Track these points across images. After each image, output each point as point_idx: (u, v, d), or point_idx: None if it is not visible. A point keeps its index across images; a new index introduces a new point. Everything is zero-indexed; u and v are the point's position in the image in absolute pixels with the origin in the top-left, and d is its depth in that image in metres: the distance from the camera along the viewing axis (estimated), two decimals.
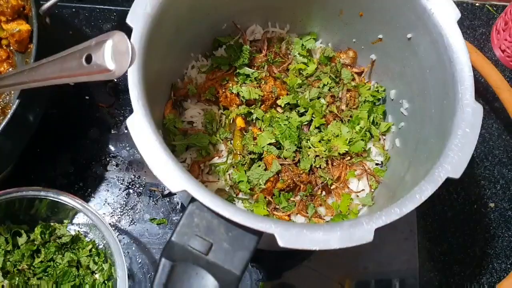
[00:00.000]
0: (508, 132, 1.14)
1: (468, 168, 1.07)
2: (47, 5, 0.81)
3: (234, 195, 0.85)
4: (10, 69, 0.93)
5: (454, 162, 0.63)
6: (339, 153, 0.85)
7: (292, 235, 0.58)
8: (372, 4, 0.81)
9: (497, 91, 1.05)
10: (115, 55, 0.63)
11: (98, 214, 0.81)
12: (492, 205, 1.08)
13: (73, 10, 1.09)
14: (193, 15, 0.80)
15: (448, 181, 0.71)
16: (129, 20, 0.65)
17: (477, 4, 1.27)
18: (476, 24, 1.25)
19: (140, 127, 0.61)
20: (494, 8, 1.26)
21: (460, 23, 1.19)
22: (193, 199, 0.60)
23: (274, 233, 0.58)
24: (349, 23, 0.88)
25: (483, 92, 1.16)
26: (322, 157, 0.85)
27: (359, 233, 0.58)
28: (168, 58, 0.81)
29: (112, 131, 1.00)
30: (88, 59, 0.64)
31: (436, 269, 1.01)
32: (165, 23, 0.70)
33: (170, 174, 0.59)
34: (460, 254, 1.03)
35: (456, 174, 0.62)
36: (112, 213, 0.95)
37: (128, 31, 0.64)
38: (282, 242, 0.57)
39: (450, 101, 0.68)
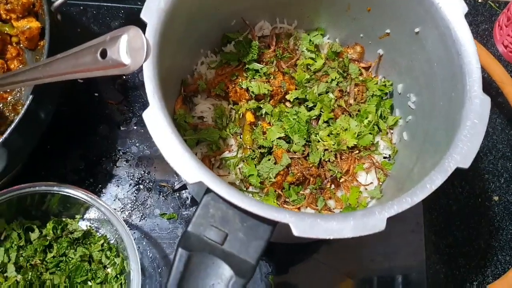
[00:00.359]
0: (511, 126, 1.15)
1: (473, 162, 1.10)
2: (58, 2, 0.82)
3: (245, 189, 0.86)
4: (21, 66, 0.94)
5: (463, 152, 0.64)
6: (347, 147, 0.87)
7: (307, 225, 0.59)
8: None
9: (501, 86, 1.07)
10: (130, 50, 0.64)
11: (111, 208, 0.82)
12: (496, 198, 1.10)
13: (81, 8, 1.10)
14: (204, 10, 0.81)
15: (455, 173, 0.73)
16: (143, 15, 0.66)
17: (479, 1, 1.28)
18: (478, 20, 1.26)
19: (156, 121, 0.62)
20: (497, 4, 1.27)
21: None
22: (208, 190, 0.61)
23: (289, 222, 0.59)
24: (357, 18, 0.89)
25: (487, 87, 1.15)
26: (331, 151, 0.87)
27: (372, 222, 0.60)
28: (178, 54, 0.82)
29: (122, 128, 1.02)
30: (103, 54, 0.65)
31: (442, 262, 1.02)
32: (177, 19, 0.72)
33: (187, 166, 0.60)
34: (465, 247, 1.04)
35: (466, 164, 0.64)
36: (122, 208, 0.96)
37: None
38: (296, 232, 0.58)
39: (458, 94, 0.69)
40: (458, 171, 0.64)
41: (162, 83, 0.68)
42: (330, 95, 0.91)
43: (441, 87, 0.75)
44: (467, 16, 1.22)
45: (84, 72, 0.68)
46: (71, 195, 0.83)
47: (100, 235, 0.91)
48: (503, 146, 1.14)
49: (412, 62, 0.83)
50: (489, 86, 1.15)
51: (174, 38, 0.75)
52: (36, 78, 0.73)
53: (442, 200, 1.07)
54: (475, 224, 1.07)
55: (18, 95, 0.92)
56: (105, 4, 1.11)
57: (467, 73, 0.68)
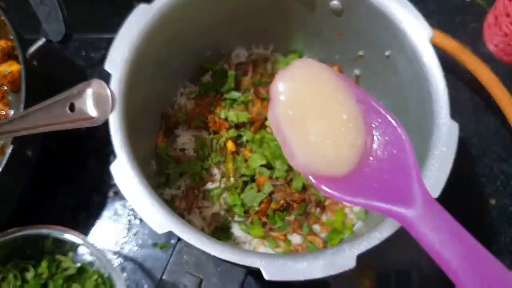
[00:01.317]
0: (505, 127, 1.14)
1: (467, 166, 1.09)
2: (32, 48, 0.84)
3: (230, 218, 0.87)
4: (5, 110, 0.96)
5: (432, 182, 0.64)
6: None
7: (277, 268, 0.60)
8: (349, 24, 0.81)
9: (488, 89, 1.05)
10: (97, 103, 0.65)
11: (97, 247, 0.84)
12: (493, 202, 1.09)
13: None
14: (174, 49, 0.81)
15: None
16: (107, 67, 0.67)
17: (467, 0, 1.26)
18: (467, 20, 1.24)
19: (124, 173, 0.63)
20: (485, 3, 1.25)
21: (452, 19, 1.23)
22: (180, 238, 0.62)
23: (260, 267, 0.60)
24: (330, 41, 0.89)
25: (479, 88, 1.15)
26: None
27: (341, 260, 0.60)
28: (153, 91, 0.83)
29: (110, 160, 1.03)
30: (72, 107, 0.67)
31: (440, 268, 1.02)
32: (144, 63, 0.72)
33: (155, 217, 0.61)
34: None
35: (435, 193, 0.64)
36: (116, 240, 0.98)
37: None
38: (267, 275, 0.59)
39: (427, 120, 0.69)
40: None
41: (138, 122, 0.71)
42: None
43: (413, 112, 0.75)
44: (455, 16, 1.24)
45: (56, 125, 0.70)
46: (59, 236, 0.86)
47: (94, 269, 0.93)
48: (498, 148, 1.13)
49: (387, 84, 0.82)
50: (482, 87, 1.13)
51: (146, 79, 0.76)
52: (13, 131, 0.75)
53: None
54: (472, 229, 1.05)
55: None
56: (87, 36, 1.12)
57: (435, 100, 0.68)
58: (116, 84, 0.67)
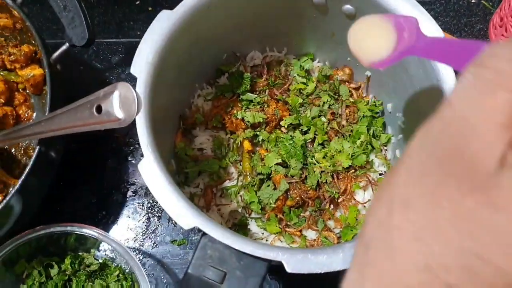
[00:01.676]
0: None
1: None
2: (56, 53, 0.87)
3: (247, 215, 0.90)
4: (29, 111, 0.99)
5: None
6: (343, 167, 0.90)
7: (298, 261, 0.62)
8: None
9: None
10: (123, 105, 0.68)
11: (119, 242, 0.87)
12: None
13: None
14: (193, 53, 0.85)
15: None
16: (132, 71, 0.70)
17: (473, 1, 1.29)
18: (473, 21, 1.27)
19: (151, 171, 0.66)
20: (490, 4, 1.28)
21: (458, 20, 1.26)
22: (204, 233, 0.65)
23: (282, 260, 0.62)
24: (342, 43, 0.90)
25: None
26: (328, 172, 0.90)
27: None
28: (173, 93, 0.86)
29: (129, 159, 1.06)
30: (99, 109, 0.70)
31: None
32: (167, 66, 0.75)
33: (182, 213, 0.64)
34: None
35: None
36: (135, 237, 1.01)
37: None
38: (289, 268, 0.62)
39: None
40: None
41: (159, 123, 0.73)
42: (323, 118, 0.93)
43: (423, 110, 0.77)
44: (461, 17, 1.27)
45: (83, 126, 0.73)
46: (82, 233, 0.89)
47: (115, 265, 0.96)
48: None
49: (397, 84, 0.85)
50: None
51: (167, 82, 0.79)
52: (39, 132, 0.78)
53: None
54: None
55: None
56: (105, 40, 1.15)
57: (446, 97, 0.70)
58: (141, 87, 0.70)
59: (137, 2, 1.21)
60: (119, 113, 0.68)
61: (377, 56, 0.64)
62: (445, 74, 0.72)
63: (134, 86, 0.69)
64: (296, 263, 0.62)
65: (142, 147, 0.67)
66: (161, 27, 0.73)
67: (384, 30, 0.63)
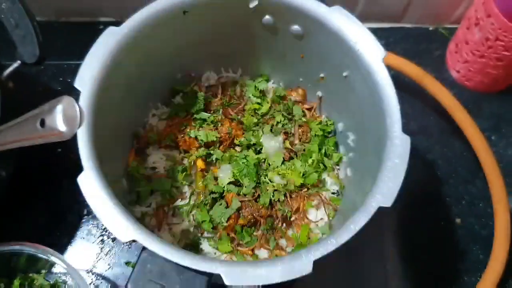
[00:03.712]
0: (469, 150, 1.18)
1: (434, 187, 1.13)
2: (8, 70, 0.87)
3: (199, 235, 0.90)
4: None
5: (384, 192, 0.67)
6: (295, 186, 0.90)
7: (237, 274, 0.62)
8: (309, 47, 0.86)
9: (450, 112, 1.10)
10: (66, 118, 0.68)
11: (69, 263, 0.86)
12: (459, 221, 1.12)
13: (41, 67, 1.15)
14: (145, 71, 0.85)
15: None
16: (76, 85, 0.71)
17: (430, 28, 1.32)
18: (432, 47, 1.30)
19: (90, 184, 0.66)
20: (447, 31, 1.31)
21: (417, 47, 1.29)
22: (145, 247, 0.65)
23: (220, 273, 0.62)
24: (294, 65, 0.93)
25: (444, 112, 1.19)
26: (280, 191, 0.90)
27: (298, 265, 0.63)
28: (125, 111, 0.86)
29: None
30: (42, 123, 0.70)
31: None
32: (115, 82, 0.76)
33: (120, 226, 0.64)
34: (432, 272, 1.06)
35: (387, 203, 0.67)
36: (89, 259, 0.99)
37: None
38: (227, 281, 0.62)
39: (382, 134, 0.73)
40: (382, 209, 0.67)
41: (108, 140, 0.74)
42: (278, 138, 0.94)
43: (370, 127, 0.79)
44: (420, 43, 1.30)
45: (27, 140, 0.73)
46: (33, 253, 0.87)
47: (67, 287, 0.94)
48: (463, 169, 1.17)
49: (346, 103, 0.87)
50: (447, 111, 1.17)
51: (116, 99, 0.79)
52: None
53: (408, 227, 1.08)
54: (440, 247, 1.09)
55: None
56: (65, 62, 1.16)
57: (388, 115, 0.72)
58: (84, 100, 0.70)
59: (100, 27, 1.23)
60: (61, 127, 0.68)
61: None
62: (387, 90, 0.73)
63: None
64: (234, 275, 0.62)
65: (82, 160, 0.67)
66: (107, 42, 0.74)
67: None
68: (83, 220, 1.02)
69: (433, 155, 1.18)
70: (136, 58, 0.80)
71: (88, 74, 0.71)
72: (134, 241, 0.64)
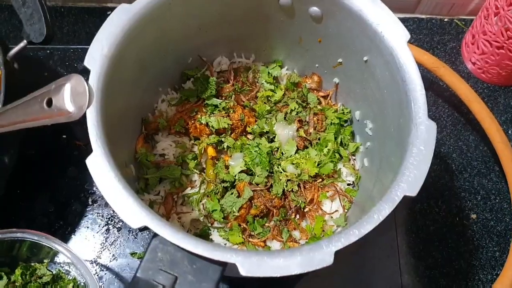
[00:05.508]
0: (485, 143, 1.15)
1: (448, 181, 1.10)
2: (13, 51, 0.84)
3: (209, 225, 0.86)
4: None
5: (410, 180, 0.64)
6: (310, 176, 0.87)
7: (253, 264, 0.59)
8: (328, 30, 0.83)
9: (467, 103, 1.07)
10: (74, 98, 0.65)
11: (75, 252, 0.82)
12: (474, 216, 1.09)
13: (48, 51, 1.12)
14: (156, 52, 0.82)
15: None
16: (86, 63, 0.67)
17: (446, 20, 1.29)
18: (446, 39, 1.27)
19: (99, 166, 0.62)
20: (463, 22, 1.28)
21: (431, 38, 1.25)
22: (155, 234, 0.61)
23: (236, 262, 0.58)
24: (310, 49, 0.90)
25: (458, 104, 1.17)
26: (294, 181, 0.86)
27: (319, 256, 0.59)
28: (134, 94, 0.83)
29: None
30: (49, 102, 0.67)
31: (422, 285, 1.01)
32: (125, 62, 0.73)
33: (130, 211, 0.60)
34: (445, 267, 1.03)
35: (413, 192, 0.63)
36: (93, 249, 0.96)
37: None
38: (243, 271, 0.58)
39: (405, 120, 0.69)
40: (408, 199, 0.64)
41: (116, 124, 0.70)
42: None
43: (391, 113, 0.76)
44: (434, 35, 1.26)
45: (33, 121, 0.70)
46: (36, 241, 0.84)
47: (70, 277, 0.90)
48: (478, 163, 1.14)
49: (365, 89, 0.84)
50: (460, 103, 1.14)
51: (126, 80, 0.76)
52: None
53: (419, 221, 1.06)
54: (454, 244, 1.06)
55: None
56: (71, 46, 1.13)
57: (412, 100, 0.68)
58: (94, 79, 0.66)
59: (108, 12, 1.19)
60: (69, 106, 0.65)
61: None
62: (411, 74, 0.70)
63: None
64: (251, 265, 0.59)
65: (91, 140, 0.64)
66: (119, 19, 0.70)
67: None
68: (88, 209, 0.99)
69: (447, 148, 1.14)
70: (148, 37, 0.77)
71: (98, 52, 0.68)
72: (142, 229, 0.61)
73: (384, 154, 0.79)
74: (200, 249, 0.59)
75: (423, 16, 1.29)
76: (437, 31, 1.28)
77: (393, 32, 0.72)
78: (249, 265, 0.58)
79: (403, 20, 1.25)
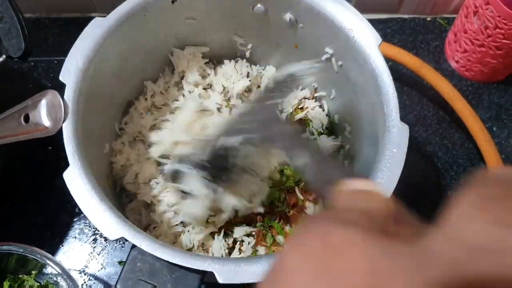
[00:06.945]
0: (470, 141, 1.15)
1: (434, 179, 1.10)
2: None
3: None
4: None
5: (383, 183, 0.64)
6: (293, 181, 0.87)
7: (230, 271, 0.59)
8: (303, 35, 0.84)
9: (450, 102, 1.07)
10: (50, 113, 0.66)
11: (60, 263, 0.83)
12: None
13: (32, 64, 1.13)
14: (133, 64, 0.83)
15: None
16: (61, 77, 0.68)
17: (428, 19, 1.29)
18: (429, 38, 1.27)
19: (76, 180, 0.63)
20: (445, 21, 1.29)
21: (414, 38, 1.26)
22: (134, 245, 0.62)
23: (213, 270, 0.59)
24: (288, 55, 0.91)
25: (443, 103, 1.17)
26: (278, 188, 0.87)
27: None
28: (112, 107, 0.84)
29: None
30: (26, 118, 0.67)
31: None
32: (101, 76, 0.73)
33: (107, 223, 0.61)
34: None
35: (387, 193, 0.64)
36: (81, 259, 0.97)
37: None
38: (221, 279, 0.59)
39: (379, 123, 0.70)
40: None
41: (89, 139, 0.70)
42: None
43: (366, 116, 0.76)
44: (417, 34, 1.27)
45: (12, 137, 0.70)
46: (22, 254, 0.85)
47: None
48: (464, 160, 1.14)
49: (342, 92, 0.84)
50: (446, 102, 1.15)
51: (103, 93, 0.77)
52: None
53: None
54: None
55: None
56: (56, 58, 1.13)
57: (385, 103, 0.69)
58: (70, 93, 0.67)
59: None
60: (46, 121, 0.66)
61: None
62: (383, 77, 0.71)
63: None
64: (228, 273, 0.59)
65: (68, 154, 0.65)
66: (93, 33, 0.71)
67: None
68: (75, 219, 1.00)
69: (432, 147, 1.15)
70: (124, 50, 0.77)
71: (73, 67, 0.69)
72: (124, 239, 0.62)
73: (362, 157, 0.80)
74: (178, 259, 0.60)
75: (406, 16, 1.30)
76: (420, 31, 1.28)
77: (365, 36, 0.73)
78: (226, 273, 0.59)
79: (386, 21, 1.28)
